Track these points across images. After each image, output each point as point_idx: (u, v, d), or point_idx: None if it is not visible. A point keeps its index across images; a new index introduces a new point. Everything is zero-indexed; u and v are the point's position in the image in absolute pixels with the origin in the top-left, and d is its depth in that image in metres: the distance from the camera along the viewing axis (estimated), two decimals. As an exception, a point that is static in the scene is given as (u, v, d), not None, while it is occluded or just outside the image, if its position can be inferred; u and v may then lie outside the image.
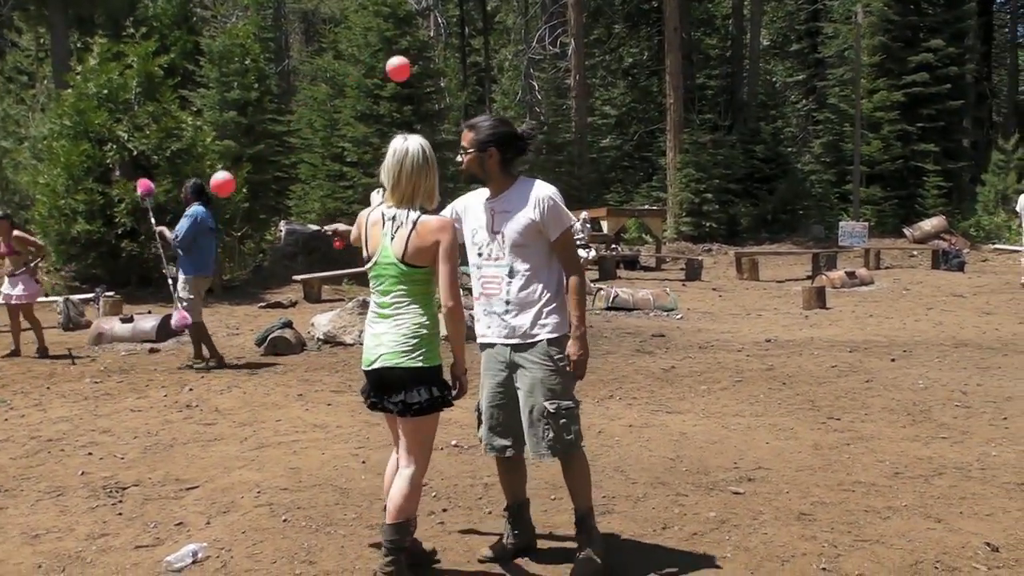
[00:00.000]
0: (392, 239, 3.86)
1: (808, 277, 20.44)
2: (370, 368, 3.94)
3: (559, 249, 4.06)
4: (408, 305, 3.87)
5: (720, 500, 5.11)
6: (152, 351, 11.29)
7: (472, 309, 4.23)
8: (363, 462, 5.95)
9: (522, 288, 4.05)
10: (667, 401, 7.89)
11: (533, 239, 4.02)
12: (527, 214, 3.99)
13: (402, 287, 3.87)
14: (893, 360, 9.81)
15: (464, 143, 4.10)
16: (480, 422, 4.30)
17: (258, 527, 4.74)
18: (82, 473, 5.82)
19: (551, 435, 4.00)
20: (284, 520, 4.83)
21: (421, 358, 3.84)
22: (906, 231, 26.42)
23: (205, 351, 10.09)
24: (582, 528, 4.17)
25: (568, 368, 4.02)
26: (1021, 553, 4.30)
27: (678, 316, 14.17)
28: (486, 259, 4.12)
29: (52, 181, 17.21)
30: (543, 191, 4.03)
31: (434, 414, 3.93)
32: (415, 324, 3.86)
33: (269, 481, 5.55)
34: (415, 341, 3.84)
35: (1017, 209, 19.14)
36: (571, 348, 4.02)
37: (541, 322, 4.05)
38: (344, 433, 6.80)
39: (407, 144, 3.88)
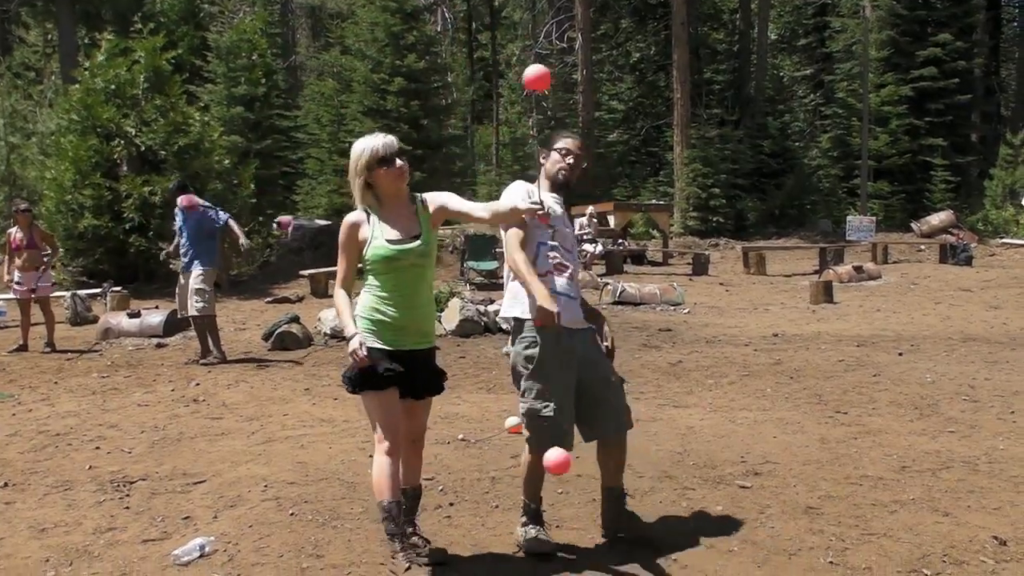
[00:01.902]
0: None
1: (815, 272, 20.39)
2: None
3: None
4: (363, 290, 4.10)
5: (727, 494, 5.10)
6: (159, 346, 11.31)
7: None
8: (370, 456, 5.91)
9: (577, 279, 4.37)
10: (674, 395, 7.88)
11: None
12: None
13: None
14: (900, 354, 9.79)
15: (581, 150, 4.38)
16: (555, 425, 4.06)
17: (265, 521, 4.74)
18: (90, 467, 5.83)
19: (625, 406, 4.29)
20: (291, 514, 4.83)
21: None
22: (914, 226, 26.34)
23: (211, 346, 10.10)
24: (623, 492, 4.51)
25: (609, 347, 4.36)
26: (1029, 547, 4.29)
27: (685, 311, 14.15)
28: (559, 246, 4.26)
29: (60, 176, 17.26)
30: None
31: (360, 394, 4.03)
32: (357, 308, 4.07)
33: (276, 475, 5.56)
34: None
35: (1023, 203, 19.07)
36: (609, 332, 4.41)
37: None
38: (351, 427, 6.81)
39: None
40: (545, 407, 4.06)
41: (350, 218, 4.00)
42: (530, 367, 4.09)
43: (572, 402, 4.12)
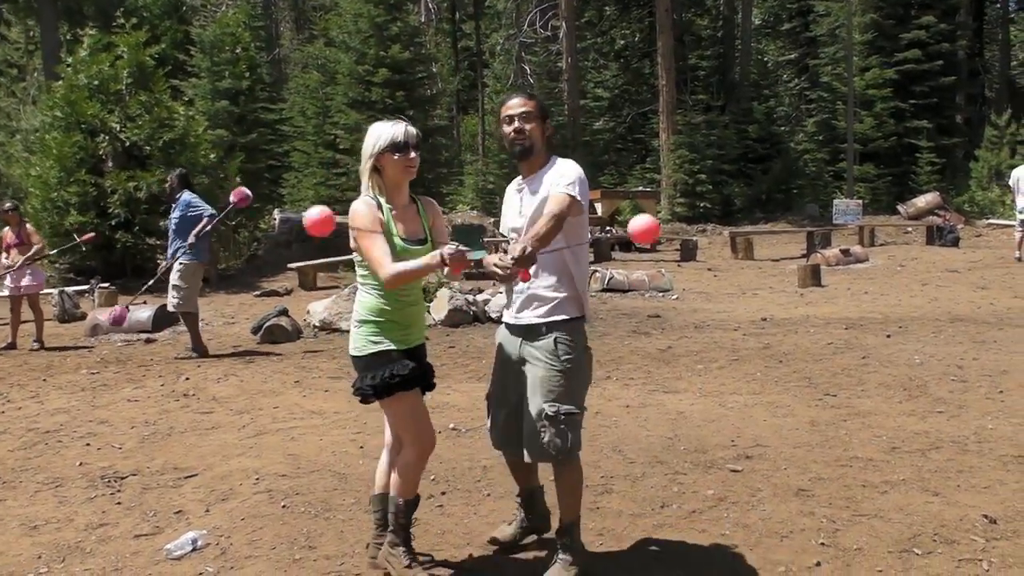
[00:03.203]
0: None
1: (803, 255, 20.41)
2: None
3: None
4: (359, 291, 3.87)
5: (718, 478, 5.12)
6: (148, 341, 11.28)
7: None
8: (361, 447, 5.95)
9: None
10: (664, 381, 7.89)
11: None
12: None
13: (359, 272, 3.85)
14: (889, 336, 9.82)
15: (528, 108, 3.86)
16: (488, 407, 4.14)
17: (257, 514, 4.74)
18: (80, 464, 5.82)
19: (546, 439, 3.74)
20: (283, 506, 4.83)
21: (354, 347, 3.80)
22: (900, 208, 26.40)
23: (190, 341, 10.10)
24: (564, 534, 3.90)
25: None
26: (1018, 525, 4.32)
27: (674, 296, 14.17)
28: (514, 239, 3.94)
29: (44, 173, 17.17)
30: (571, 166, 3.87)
31: (389, 398, 3.75)
32: (357, 311, 3.84)
33: (267, 468, 5.55)
34: (354, 329, 3.83)
35: (1010, 184, 19.14)
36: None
37: (552, 310, 3.84)
38: (342, 419, 6.80)
39: None
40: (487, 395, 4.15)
41: (368, 201, 3.76)
42: None
43: (506, 394, 3.97)
